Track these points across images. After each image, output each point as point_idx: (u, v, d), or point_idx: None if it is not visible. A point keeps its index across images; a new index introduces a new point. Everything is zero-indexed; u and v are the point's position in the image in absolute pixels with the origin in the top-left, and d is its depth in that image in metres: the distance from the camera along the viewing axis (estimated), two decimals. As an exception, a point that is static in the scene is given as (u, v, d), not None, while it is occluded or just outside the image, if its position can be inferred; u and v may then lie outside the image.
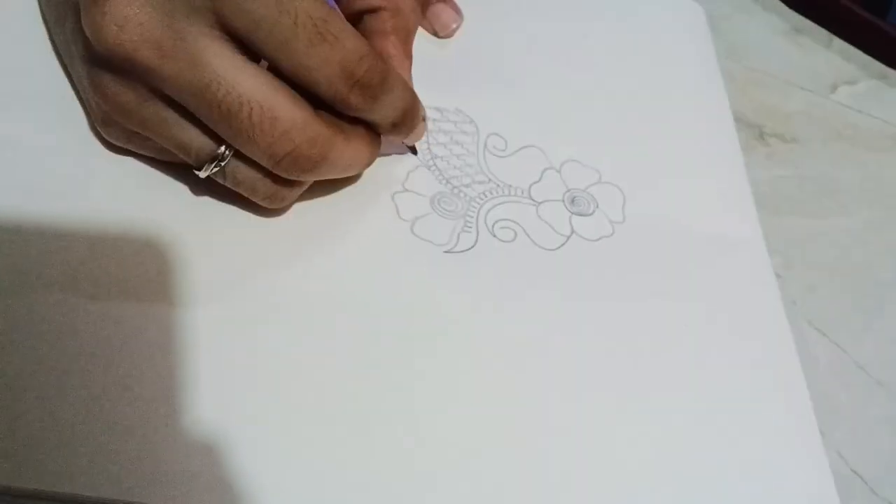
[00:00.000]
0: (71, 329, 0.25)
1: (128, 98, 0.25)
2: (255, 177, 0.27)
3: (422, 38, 0.38)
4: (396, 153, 0.33)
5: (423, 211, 0.31)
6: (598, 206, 0.34)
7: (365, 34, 0.30)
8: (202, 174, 0.27)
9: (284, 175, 0.26)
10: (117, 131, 0.27)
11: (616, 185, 0.35)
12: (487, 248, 0.31)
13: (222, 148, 0.26)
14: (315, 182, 0.29)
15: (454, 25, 0.38)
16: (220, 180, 0.27)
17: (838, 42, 0.51)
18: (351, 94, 0.26)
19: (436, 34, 0.38)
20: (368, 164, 0.29)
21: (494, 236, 0.32)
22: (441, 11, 0.38)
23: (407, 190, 0.32)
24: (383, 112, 0.27)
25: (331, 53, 0.25)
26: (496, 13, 0.40)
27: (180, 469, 0.23)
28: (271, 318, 0.27)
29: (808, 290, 0.39)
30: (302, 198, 0.29)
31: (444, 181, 0.33)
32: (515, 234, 0.32)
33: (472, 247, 0.31)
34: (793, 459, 0.29)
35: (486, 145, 0.34)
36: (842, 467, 0.34)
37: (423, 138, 0.33)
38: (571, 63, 0.39)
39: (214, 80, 0.24)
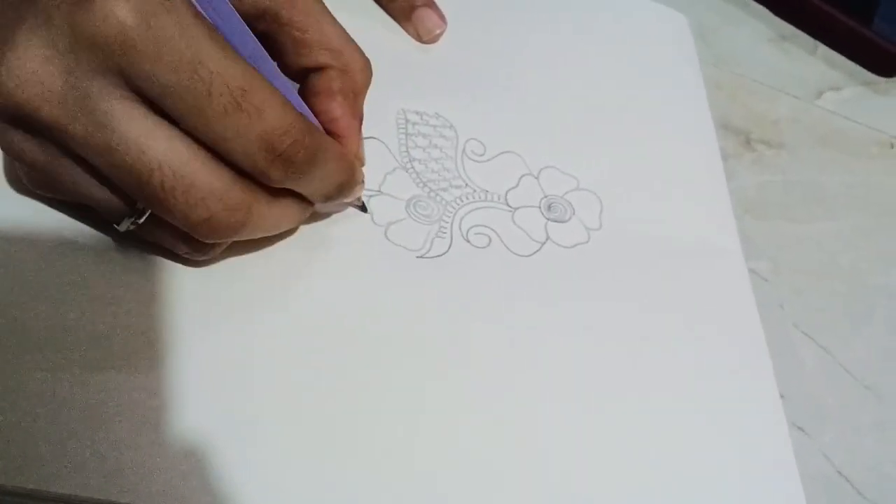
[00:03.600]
0: (64, 332, 0.25)
1: (38, 156, 0.24)
2: (173, 236, 0.26)
3: (405, 43, 0.38)
4: (338, 211, 0.31)
5: (398, 216, 0.32)
6: (574, 213, 0.34)
7: (310, 93, 0.28)
8: (120, 228, 0.26)
9: (203, 239, 0.25)
10: (41, 184, 0.26)
11: (594, 193, 0.35)
12: (460, 254, 0.31)
13: (138, 206, 0.25)
14: None
15: (438, 31, 0.38)
16: (140, 233, 0.26)
17: (824, 49, 0.51)
18: (271, 168, 0.24)
19: (419, 39, 0.38)
20: (299, 223, 0.29)
21: (468, 242, 0.32)
22: (425, 16, 0.38)
23: (383, 193, 0.32)
24: (313, 186, 0.26)
25: (249, 125, 0.23)
26: (480, 20, 0.40)
27: (178, 470, 0.24)
28: (251, 321, 0.27)
29: (795, 294, 0.39)
30: None
31: (421, 184, 0.33)
32: (490, 239, 0.32)
33: (446, 252, 0.31)
34: (762, 461, 0.30)
35: (464, 150, 0.35)
36: (829, 470, 0.34)
37: (402, 143, 0.33)
38: (554, 70, 0.39)
39: (123, 144, 0.23)
